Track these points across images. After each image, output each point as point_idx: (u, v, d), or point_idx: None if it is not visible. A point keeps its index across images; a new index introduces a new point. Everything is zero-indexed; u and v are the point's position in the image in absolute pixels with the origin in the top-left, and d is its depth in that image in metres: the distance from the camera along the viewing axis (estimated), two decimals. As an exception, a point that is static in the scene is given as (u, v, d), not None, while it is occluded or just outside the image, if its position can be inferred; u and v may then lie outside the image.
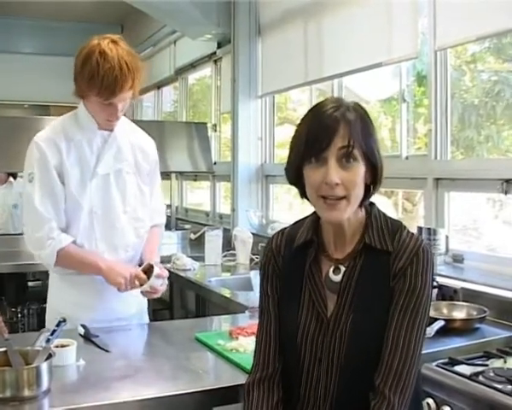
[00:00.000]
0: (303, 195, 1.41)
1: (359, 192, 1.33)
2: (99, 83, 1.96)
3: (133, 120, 2.41)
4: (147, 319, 2.42)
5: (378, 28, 3.14)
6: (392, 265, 1.34)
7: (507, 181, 2.46)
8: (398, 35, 3.02)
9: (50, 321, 2.17)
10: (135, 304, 2.28)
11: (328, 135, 1.29)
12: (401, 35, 3.00)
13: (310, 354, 1.38)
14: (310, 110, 1.38)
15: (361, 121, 1.33)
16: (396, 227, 1.39)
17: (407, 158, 3.12)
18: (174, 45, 6.07)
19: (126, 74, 1.96)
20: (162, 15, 5.09)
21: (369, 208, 1.42)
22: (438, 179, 2.83)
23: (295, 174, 1.37)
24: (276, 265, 1.47)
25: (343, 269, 1.38)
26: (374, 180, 1.36)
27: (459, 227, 3.02)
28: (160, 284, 2.14)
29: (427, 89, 2.92)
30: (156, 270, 2.11)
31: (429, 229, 2.71)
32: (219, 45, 4.88)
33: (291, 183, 1.42)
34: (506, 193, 2.47)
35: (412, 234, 1.39)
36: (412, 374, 1.31)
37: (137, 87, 2.06)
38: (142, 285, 2.11)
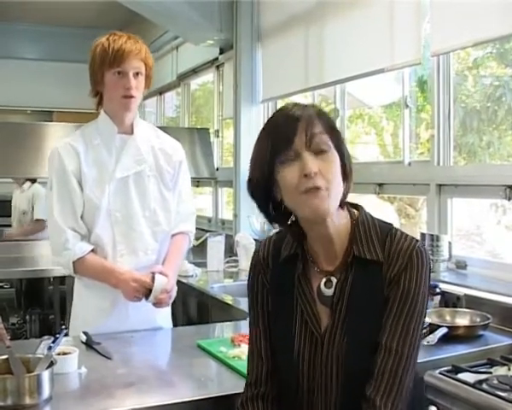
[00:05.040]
0: (277, 209, 1.31)
1: (339, 184, 1.26)
2: (110, 52, 2.06)
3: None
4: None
5: (380, 34, 3.14)
6: (385, 274, 1.27)
7: (510, 187, 2.45)
8: (400, 41, 3.01)
9: (74, 328, 2.19)
10: (159, 313, 2.22)
11: (293, 125, 1.24)
12: (404, 41, 2.99)
13: (308, 373, 1.32)
14: (269, 119, 1.32)
15: (323, 114, 1.30)
16: (386, 232, 1.31)
17: (410, 164, 3.11)
18: (176, 51, 6.08)
19: (134, 42, 2.08)
20: (164, 21, 5.09)
21: (356, 214, 1.34)
22: (440, 185, 2.82)
23: (264, 188, 1.28)
24: (265, 278, 1.40)
25: (335, 281, 1.31)
26: (345, 176, 1.29)
27: (462, 233, 3.02)
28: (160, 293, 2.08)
29: (430, 94, 2.91)
30: (157, 279, 2.08)
31: (432, 235, 2.71)
32: (221, 51, 4.88)
33: (256, 197, 1.32)
34: (509, 199, 2.46)
35: (405, 236, 1.30)
36: (405, 384, 1.26)
37: (149, 65, 2.13)
38: (147, 295, 2.08)
